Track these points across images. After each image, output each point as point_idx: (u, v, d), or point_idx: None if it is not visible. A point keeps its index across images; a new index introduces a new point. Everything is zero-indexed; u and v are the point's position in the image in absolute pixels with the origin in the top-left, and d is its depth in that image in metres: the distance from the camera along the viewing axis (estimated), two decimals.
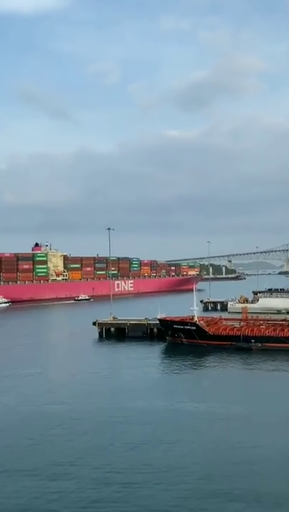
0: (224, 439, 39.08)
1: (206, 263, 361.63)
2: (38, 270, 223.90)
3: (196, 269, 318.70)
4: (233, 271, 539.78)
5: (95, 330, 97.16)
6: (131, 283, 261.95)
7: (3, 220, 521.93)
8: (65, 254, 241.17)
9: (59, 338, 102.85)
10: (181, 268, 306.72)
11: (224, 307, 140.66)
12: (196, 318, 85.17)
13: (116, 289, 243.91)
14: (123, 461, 35.11)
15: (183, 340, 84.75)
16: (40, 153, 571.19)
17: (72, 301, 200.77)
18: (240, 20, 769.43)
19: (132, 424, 42.92)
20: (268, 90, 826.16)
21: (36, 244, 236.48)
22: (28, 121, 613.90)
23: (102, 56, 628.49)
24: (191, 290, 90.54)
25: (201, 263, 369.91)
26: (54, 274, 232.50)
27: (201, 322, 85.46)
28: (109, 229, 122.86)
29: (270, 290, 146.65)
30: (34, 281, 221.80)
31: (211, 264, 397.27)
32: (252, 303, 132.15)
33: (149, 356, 75.97)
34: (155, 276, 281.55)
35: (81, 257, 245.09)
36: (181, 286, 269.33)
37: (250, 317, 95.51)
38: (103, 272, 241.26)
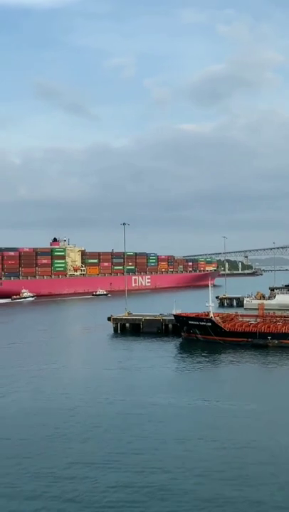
0: (242, 437, 38.97)
1: (222, 259, 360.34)
2: (56, 265, 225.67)
3: (213, 265, 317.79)
4: (250, 267, 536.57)
5: (110, 325, 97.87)
6: (148, 278, 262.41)
7: (18, 215, 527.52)
8: (82, 249, 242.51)
9: (75, 333, 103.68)
10: (198, 263, 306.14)
11: (240, 303, 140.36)
12: (211, 314, 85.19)
13: (133, 285, 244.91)
14: (138, 458, 35.22)
15: (198, 337, 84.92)
16: (55, 148, 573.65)
17: (90, 296, 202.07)
18: (258, 13, 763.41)
19: (148, 421, 43.13)
20: (286, 84, 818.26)
21: (54, 239, 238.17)
22: (44, 116, 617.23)
23: (118, 50, 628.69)
24: (209, 286, 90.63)
25: (217, 259, 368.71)
26: (72, 269, 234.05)
27: (217, 318, 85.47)
28: (124, 224, 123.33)
29: (287, 286, 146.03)
30: (53, 276, 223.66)
31: (227, 260, 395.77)
32: (268, 299, 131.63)
33: (163, 352, 76.18)
34: (172, 271, 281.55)
35: (99, 252, 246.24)
36: (199, 281, 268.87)
37: (266, 313, 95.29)
38: (120, 267, 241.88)
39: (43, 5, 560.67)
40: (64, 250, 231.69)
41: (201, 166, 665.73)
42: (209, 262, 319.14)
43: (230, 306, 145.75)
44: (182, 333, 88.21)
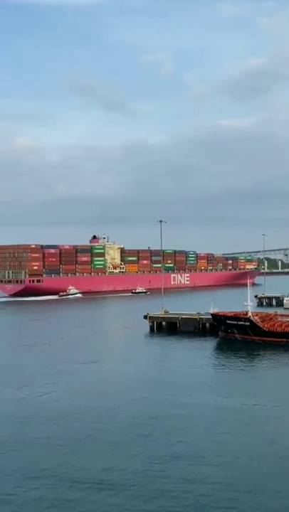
0: (281, 440, 38.04)
1: (261, 257, 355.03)
2: (96, 262, 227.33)
3: (253, 263, 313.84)
4: None
5: (147, 324, 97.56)
6: (187, 276, 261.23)
7: (57, 213, 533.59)
8: (121, 246, 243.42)
9: (113, 331, 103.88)
10: (238, 262, 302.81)
11: (280, 303, 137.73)
12: (250, 314, 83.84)
13: (172, 283, 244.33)
14: (175, 458, 34.68)
15: (236, 336, 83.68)
16: (91, 146, 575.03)
17: (129, 294, 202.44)
18: None
19: (186, 420, 42.59)
20: None
21: (94, 237, 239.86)
22: (81, 113, 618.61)
23: (155, 45, 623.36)
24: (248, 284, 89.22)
25: (256, 257, 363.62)
26: (111, 266, 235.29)
27: (256, 318, 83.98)
28: (160, 221, 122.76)
29: None
30: (92, 274, 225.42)
31: (267, 258, 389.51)
32: None
33: (201, 352, 75.32)
34: (212, 269, 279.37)
35: (138, 250, 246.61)
36: (238, 280, 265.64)
37: None
38: (159, 265, 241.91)
39: (79, 2, 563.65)
40: (103, 248, 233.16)
41: (239, 161, 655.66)
42: (249, 260, 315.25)
43: (270, 305, 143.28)
44: (220, 333, 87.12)
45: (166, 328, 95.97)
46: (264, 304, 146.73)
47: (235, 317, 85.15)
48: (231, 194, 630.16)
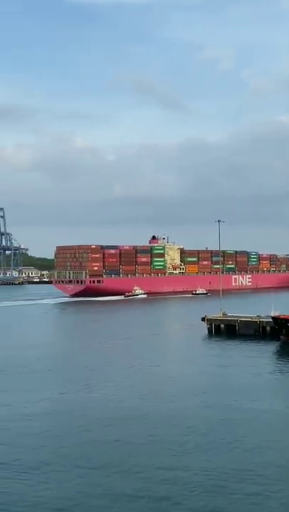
0: None
1: None
2: (155, 263, 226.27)
3: None
4: None
5: (205, 326, 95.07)
6: (249, 278, 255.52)
7: (114, 212, 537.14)
8: (181, 247, 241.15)
9: (170, 333, 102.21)
10: None
11: None
12: None
13: (233, 284, 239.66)
14: (235, 465, 32.71)
15: None
16: (148, 144, 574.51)
17: (190, 295, 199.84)
18: None
19: (245, 426, 40.43)
20: None
21: (153, 237, 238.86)
22: (138, 112, 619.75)
23: (214, 42, 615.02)
24: None
25: None
26: (171, 267, 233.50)
27: None
28: (219, 221, 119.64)
29: None
30: (152, 274, 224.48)
31: None
32: None
33: (260, 356, 72.05)
34: (274, 271, 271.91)
35: (198, 251, 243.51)
36: None
37: None
38: (220, 266, 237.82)
39: (135, 0, 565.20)
40: (163, 248, 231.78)
41: None
42: None
43: None
44: (281, 337, 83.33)
45: (224, 330, 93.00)
46: None
47: None
48: None
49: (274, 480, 31.05)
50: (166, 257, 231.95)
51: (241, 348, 79.28)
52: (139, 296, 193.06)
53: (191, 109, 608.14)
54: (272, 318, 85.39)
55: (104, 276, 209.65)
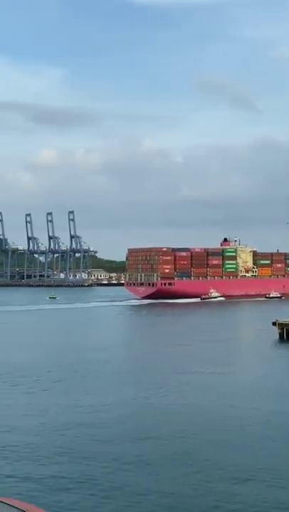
0: None
1: None
2: (227, 266, 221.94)
3: None
4: None
5: (276, 330, 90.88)
6: None
7: (184, 214, 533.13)
8: (254, 249, 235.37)
9: (241, 336, 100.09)
10: None
11: None
12: None
13: None
14: None
15: None
16: (218, 145, 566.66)
17: (263, 299, 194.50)
18: None
19: None
20: None
21: (225, 240, 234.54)
22: (207, 113, 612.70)
23: (285, 40, 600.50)
24: None
25: None
26: (243, 270, 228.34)
27: None
28: None
29: None
30: (223, 277, 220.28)
31: None
32: None
33: None
34: None
35: (271, 253, 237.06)
36: None
37: None
38: None
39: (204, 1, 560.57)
40: (235, 251, 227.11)
41: None
42: None
43: None
44: None
45: None
46: None
47: None
48: None
49: None
50: (238, 260, 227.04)
51: None
52: (216, 299, 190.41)
53: (261, 108, 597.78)
54: None
55: (175, 278, 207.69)
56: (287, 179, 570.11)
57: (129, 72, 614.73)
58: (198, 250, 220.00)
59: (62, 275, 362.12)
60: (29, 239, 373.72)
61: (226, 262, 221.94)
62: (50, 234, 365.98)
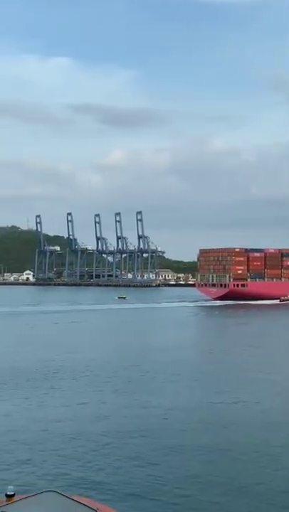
0: None
1: None
2: None
3: None
4: None
5: None
6: None
7: (251, 214, 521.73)
8: None
9: None
10: None
11: None
12: None
13: None
14: None
15: None
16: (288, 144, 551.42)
17: None
18: None
19: None
20: None
21: None
22: (279, 111, 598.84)
23: None
24: None
25: None
26: None
27: None
28: None
29: None
30: None
31: None
32: None
33: None
34: None
35: None
36: None
37: None
38: None
39: None
40: None
41: None
42: None
43: None
44: None
45: None
46: None
47: None
48: None
49: None
50: None
51: None
52: None
53: None
54: None
55: (248, 279, 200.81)
56: None
57: (196, 72, 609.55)
58: (272, 251, 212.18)
59: (130, 275, 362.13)
60: (98, 239, 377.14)
61: None
62: (119, 234, 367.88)
